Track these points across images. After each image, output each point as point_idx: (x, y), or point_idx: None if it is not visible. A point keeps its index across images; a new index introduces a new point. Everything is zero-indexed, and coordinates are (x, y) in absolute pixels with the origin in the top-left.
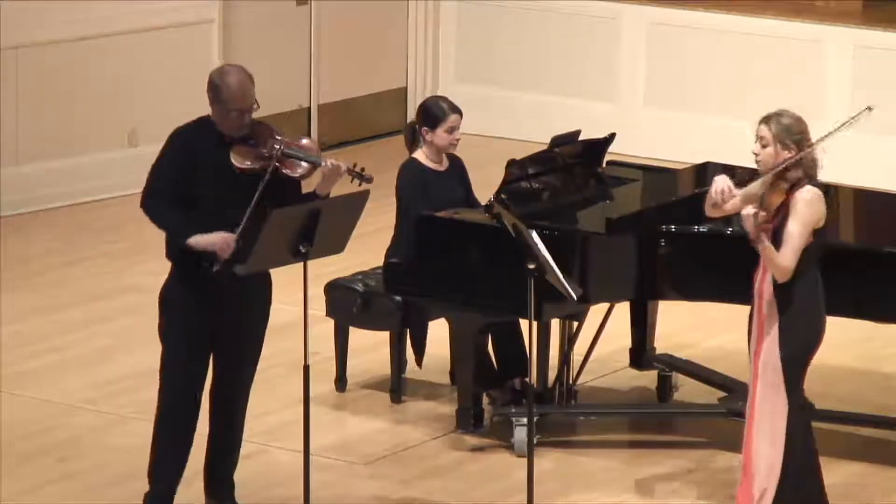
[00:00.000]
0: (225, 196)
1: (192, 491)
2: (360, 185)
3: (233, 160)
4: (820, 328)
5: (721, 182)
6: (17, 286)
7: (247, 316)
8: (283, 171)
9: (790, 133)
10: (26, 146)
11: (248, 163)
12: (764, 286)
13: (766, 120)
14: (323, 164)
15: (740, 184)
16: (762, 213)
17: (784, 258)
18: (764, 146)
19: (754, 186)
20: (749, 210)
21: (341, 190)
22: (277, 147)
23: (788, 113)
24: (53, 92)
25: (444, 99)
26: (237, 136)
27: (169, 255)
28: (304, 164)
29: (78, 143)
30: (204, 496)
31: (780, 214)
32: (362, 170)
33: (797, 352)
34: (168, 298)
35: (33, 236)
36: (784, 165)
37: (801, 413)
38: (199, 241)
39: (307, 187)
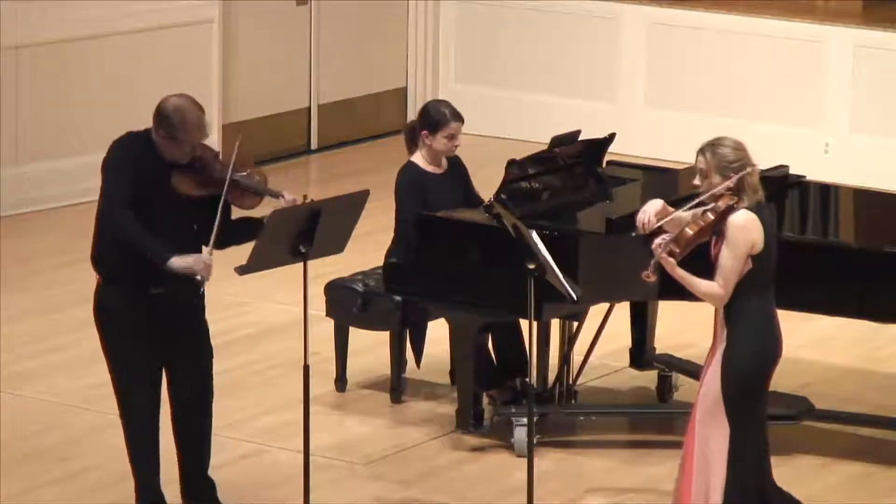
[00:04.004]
0: (162, 216)
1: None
2: None
3: (177, 186)
4: (771, 346)
5: (649, 209)
6: (17, 286)
7: (191, 325)
8: (231, 201)
9: (727, 161)
10: (26, 146)
11: (195, 191)
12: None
13: (702, 150)
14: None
15: (675, 205)
16: (672, 246)
17: (711, 286)
18: (704, 177)
19: (685, 215)
20: (658, 240)
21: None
22: (225, 175)
23: (726, 140)
24: (53, 92)
25: (448, 104)
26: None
27: (100, 268)
28: (254, 196)
29: (78, 143)
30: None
31: (720, 238)
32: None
33: (745, 370)
34: (107, 315)
35: (33, 236)
36: (717, 196)
37: (754, 437)
38: (181, 264)
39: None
